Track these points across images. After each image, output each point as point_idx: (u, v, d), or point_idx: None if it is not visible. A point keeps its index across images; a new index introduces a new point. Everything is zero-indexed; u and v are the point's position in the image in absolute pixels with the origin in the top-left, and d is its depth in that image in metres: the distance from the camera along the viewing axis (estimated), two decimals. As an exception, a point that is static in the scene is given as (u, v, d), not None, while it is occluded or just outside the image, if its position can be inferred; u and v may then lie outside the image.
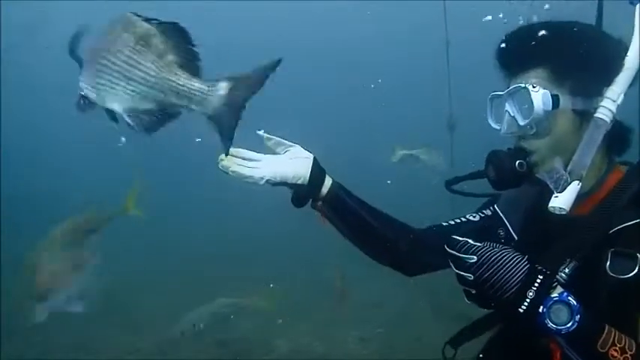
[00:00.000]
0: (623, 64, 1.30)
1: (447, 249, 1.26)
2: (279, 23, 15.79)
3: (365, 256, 1.65)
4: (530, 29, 1.36)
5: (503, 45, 1.39)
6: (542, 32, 1.33)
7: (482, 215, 1.61)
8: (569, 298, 1.17)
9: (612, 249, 1.22)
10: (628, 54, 1.30)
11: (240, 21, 16.27)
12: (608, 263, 1.21)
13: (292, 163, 1.48)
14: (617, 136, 1.36)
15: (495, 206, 1.58)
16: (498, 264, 1.20)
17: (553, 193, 1.30)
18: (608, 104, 1.29)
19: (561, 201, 1.27)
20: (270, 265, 6.81)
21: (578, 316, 1.15)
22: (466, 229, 1.58)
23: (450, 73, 5.65)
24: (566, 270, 1.24)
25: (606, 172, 1.37)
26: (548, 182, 1.31)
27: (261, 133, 1.50)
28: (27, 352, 4.90)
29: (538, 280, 1.18)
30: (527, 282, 1.18)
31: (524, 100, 1.32)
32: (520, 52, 1.36)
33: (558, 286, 1.20)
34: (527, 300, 1.17)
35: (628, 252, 1.21)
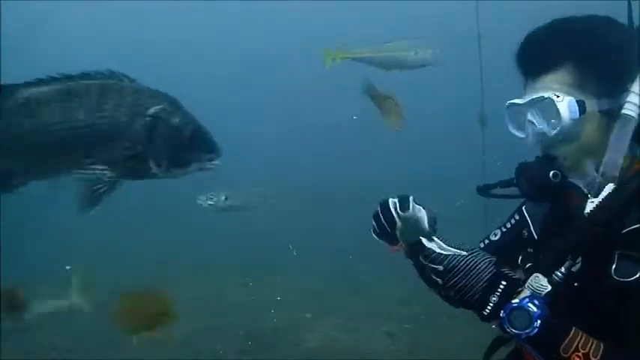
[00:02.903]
0: None
1: (420, 259, 1.27)
2: (304, 20, 15.81)
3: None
4: (545, 31, 1.33)
5: (521, 48, 1.35)
6: (559, 33, 1.30)
7: (507, 228, 1.60)
8: (530, 304, 1.16)
9: (619, 251, 1.20)
10: None
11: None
12: (614, 266, 1.19)
13: None
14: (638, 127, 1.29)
15: (524, 207, 1.57)
16: (464, 270, 1.21)
17: (580, 190, 1.28)
18: (634, 99, 1.23)
19: None
20: (297, 260, 6.86)
21: (538, 321, 1.15)
22: (490, 250, 1.54)
23: (482, 68, 5.56)
24: (563, 270, 1.22)
25: (627, 167, 1.30)
26: (583, 187, 1.28)
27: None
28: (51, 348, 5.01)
29: (501, 286, 1.19)
30: (491, 287, 1.20)
31: (548, 110, 1.28)
32: (538, 56, 1.32)
33: (524, 291, 1.20)
34: (491, 304, 1.19)
35: (633, 255, 1.18)
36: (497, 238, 1.61)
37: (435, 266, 1.23)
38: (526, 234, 1.52)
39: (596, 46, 1.28)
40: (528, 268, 1.33)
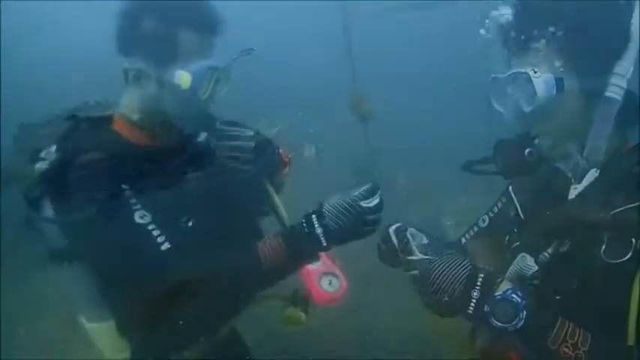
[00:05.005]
0: (631, 35, 1.17)
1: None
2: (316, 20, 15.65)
3: None
4: (530, 4, 1.26)
5: (503, 22, 1.30)
6: (544, 7, 1.24)
7: (495, 212, 1.59)
8: (514, 295, 1.14)
9: (608, 233, 1.16)
10: (632, 22, 1.17)
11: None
12: (603, 247, 1.15)
13: None
14: (626, 108, 1.24)
15: (510, 188, 1.54)
16: (441, 270, 1.20)
17: (564, 174, 1.26)
18: (618, 81, 1.18)
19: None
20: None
21: (524, 312, 1.13)
22: (480, 237, 1.58)
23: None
24: (550, 250, 1.21)
25: (615, 150, 1.27)
26: (566, 171, 1.26)
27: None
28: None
29: (480, 279, 1.17)
30: (470, 283, 1.17)
31: (526, 85, 1.23)
32: (520, 30, 1.27)
33: (504, 282, 1.18)
34: (474, 300, 1.17)
35: (623, 237, 1.14)
36: (485, 224, 1.60)
37: (413, 272, 1.25)
38: (512, 214, 1.49)
39: (582, 22, 1.22)
40: (515, 247, 1.30)
